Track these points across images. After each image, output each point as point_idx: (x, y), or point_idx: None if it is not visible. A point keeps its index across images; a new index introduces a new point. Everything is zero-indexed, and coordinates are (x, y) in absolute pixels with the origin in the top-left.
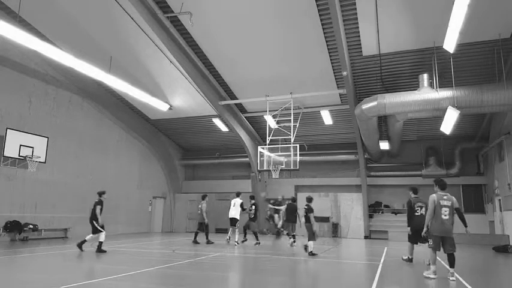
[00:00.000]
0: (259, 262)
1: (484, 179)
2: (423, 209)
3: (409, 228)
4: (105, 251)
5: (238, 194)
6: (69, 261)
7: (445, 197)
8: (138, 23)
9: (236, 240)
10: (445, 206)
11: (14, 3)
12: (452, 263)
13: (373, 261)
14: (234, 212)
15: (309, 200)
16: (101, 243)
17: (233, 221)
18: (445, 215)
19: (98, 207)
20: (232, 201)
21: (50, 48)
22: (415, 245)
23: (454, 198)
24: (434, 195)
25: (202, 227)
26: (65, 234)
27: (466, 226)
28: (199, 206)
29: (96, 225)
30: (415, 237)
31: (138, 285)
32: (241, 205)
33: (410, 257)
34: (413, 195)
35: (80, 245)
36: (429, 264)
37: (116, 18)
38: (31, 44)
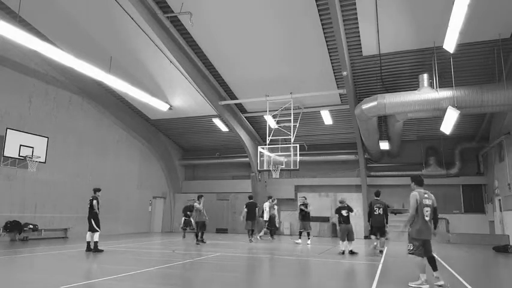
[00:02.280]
0: (259, 262)
1: (484, 179)
2: (381, 209)
3: (369, 223)
4: (102, 250)
5: (269, 198)
6: (69, 262)
7: (426, 195)
8: (138, 23)
9: (260, 235)
10: (427, 206)
11: (14, 3)
12: (435, 266)
13: (373, 261)
14: (267, 214)
15: (342, 202)
16: (96, 242)
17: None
18: (427, 216)
19: (95, 201)
20: (264, 205)
21: (50, 48)
22: (373, 236)
23: (433, 197)
24: (416, 193)
25: (198, 226)
26: (65, 234)
27: (435, 228)
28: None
29: (93, 223)
30: (375, 231)
31: (137, 285)
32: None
33: (377, 246)
34: (374, 197)
35: (96, 250)
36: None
37: (116, 18)
38: (31, 44)
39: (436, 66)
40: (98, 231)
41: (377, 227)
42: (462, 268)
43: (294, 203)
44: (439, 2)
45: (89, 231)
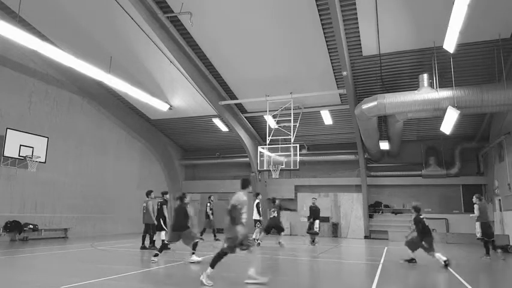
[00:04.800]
0: (259, 262)
1: (484, 179)
2: (275, 212)
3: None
4: (169, 248)
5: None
6: (69, 262)
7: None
8: (138, 23)
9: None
10: None
11: (14, 3)
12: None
13: (373, 261)
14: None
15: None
16: (163, 241)
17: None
18: None
19: (165, 207)
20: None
21: (50, 48)
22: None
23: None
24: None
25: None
26: (65, 234)
27: None
28: (144, 205)
29: (161, 223)
30: (268, 229)
31: (137, 286)
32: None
33: (258, 241)
34: (272, 204)
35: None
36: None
37: (116, 18)
38: (31, 44)
39: (436, 66)
40: (164, 230)
41: (271, 227)
42: (462, 268)
43: (294, 203)
44: (439, 2)
45: (158, 230)
